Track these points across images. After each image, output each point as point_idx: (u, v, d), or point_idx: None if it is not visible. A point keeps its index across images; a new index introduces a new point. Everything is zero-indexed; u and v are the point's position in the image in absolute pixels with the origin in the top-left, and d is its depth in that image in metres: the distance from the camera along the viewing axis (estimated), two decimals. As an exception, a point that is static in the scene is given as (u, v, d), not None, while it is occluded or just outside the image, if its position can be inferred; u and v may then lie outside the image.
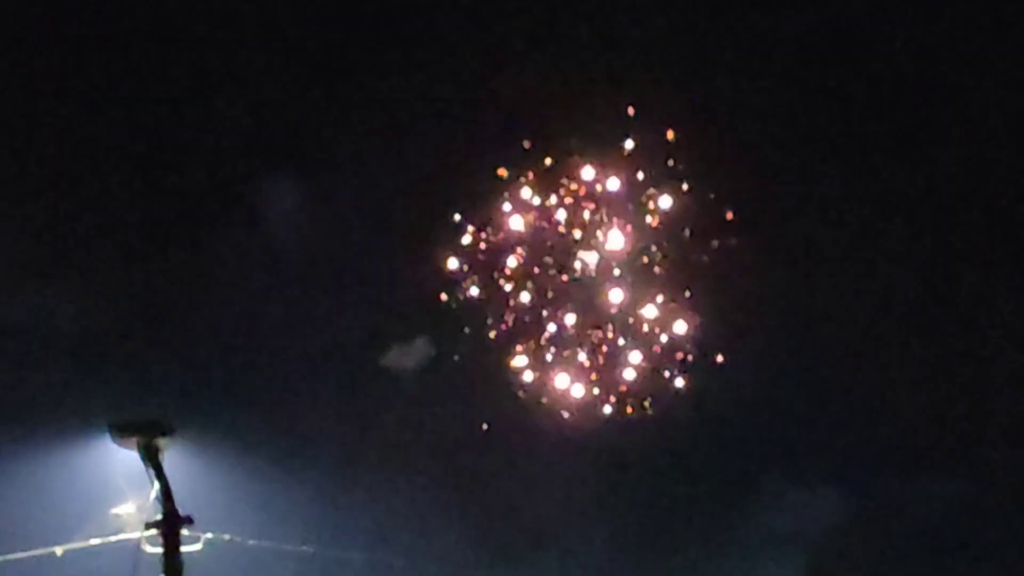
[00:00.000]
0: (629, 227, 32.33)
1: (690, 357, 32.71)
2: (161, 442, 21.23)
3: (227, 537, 23.16)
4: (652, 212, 32.37)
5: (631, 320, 32.35)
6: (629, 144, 32.14)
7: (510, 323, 32.54)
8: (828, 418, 34.62)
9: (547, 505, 33.42)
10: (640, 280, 32.35)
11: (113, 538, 22.48)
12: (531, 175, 32.34)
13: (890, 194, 34.30)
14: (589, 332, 32.40)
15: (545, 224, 32.38)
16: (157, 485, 21.34)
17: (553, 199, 32.30)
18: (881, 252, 34.59)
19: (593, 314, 32.42)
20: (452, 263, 32.39)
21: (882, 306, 34.71)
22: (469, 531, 32.86)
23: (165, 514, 21.38)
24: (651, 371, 32.69)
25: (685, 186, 32.30)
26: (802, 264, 34.15)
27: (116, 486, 23.35)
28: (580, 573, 33.82)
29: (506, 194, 32.30)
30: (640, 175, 32.29)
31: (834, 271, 34.40)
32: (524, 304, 32.38)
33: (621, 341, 32.41)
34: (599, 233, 32.24)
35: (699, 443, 33.96)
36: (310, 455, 31.77)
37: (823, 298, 34.36)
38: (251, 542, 24.22)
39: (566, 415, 32.54)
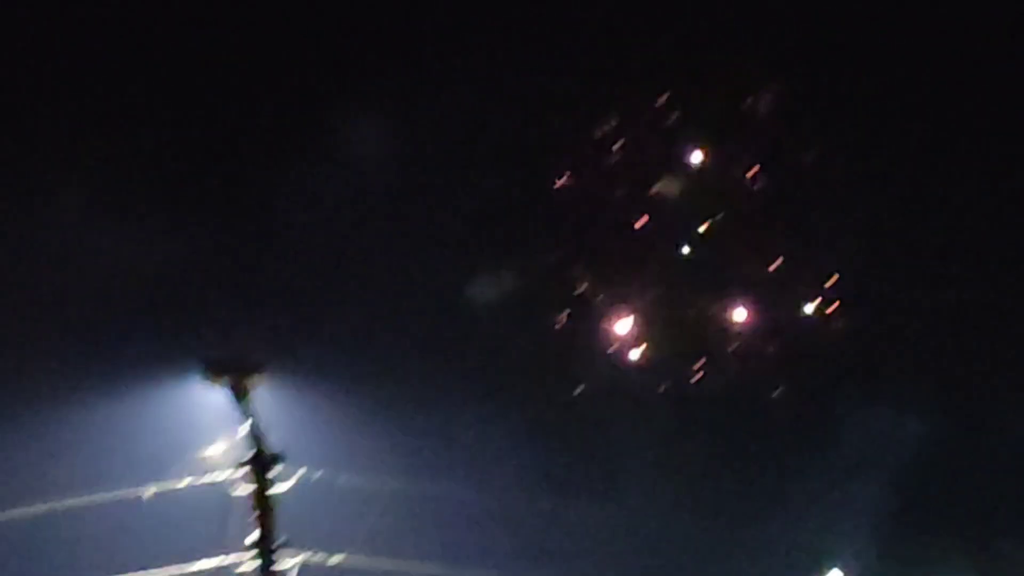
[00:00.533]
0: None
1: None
2: (251, 381, 21.57)
3: (318, 474, 23.42)
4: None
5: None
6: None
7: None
8: (922, 341, 34.63)
9: (628, 439, 33.58)
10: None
11: (204, 479, 22.74)
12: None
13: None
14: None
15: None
16: (247, 424, 21.74)
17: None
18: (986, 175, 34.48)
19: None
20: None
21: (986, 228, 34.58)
22: (555, 470, 32.99)
23: (256, 453, 21.80)
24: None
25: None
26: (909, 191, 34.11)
27: (206, 427, 23.62)
28: (664, 504, 33.96)
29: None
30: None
31: (945, 194, 34.28)
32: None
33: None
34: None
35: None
36: (399, 392, 31.94)
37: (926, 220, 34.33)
38: (342, 479, 24.47)
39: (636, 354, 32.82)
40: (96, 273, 30.54)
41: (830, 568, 34.18)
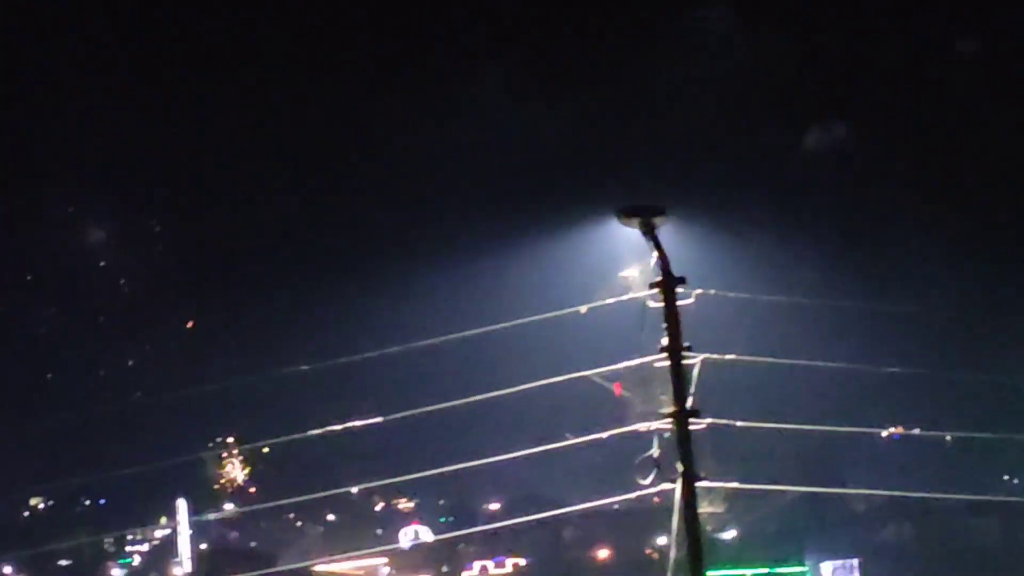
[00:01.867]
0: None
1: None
2: (657, 220, 26.40)
3: (713, 292, 27.55)
4: None
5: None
6: None
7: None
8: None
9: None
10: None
11: (624, 297, 27.30)
12: None
13: None
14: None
15: None
16: (656, 254, 26.43)
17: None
18: None
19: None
20: None
21: None
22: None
23: (664, 275, 26.51)
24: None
25: None
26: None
27: (622, 257, 27.82)
28: None
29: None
30: None
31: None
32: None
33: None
34: None
35: None
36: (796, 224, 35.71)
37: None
38: (731, 295, 28.67)
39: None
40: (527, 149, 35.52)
41: None
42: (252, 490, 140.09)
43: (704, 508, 26.10)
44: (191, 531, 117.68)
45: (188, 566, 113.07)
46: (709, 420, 26.62)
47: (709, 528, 24.49)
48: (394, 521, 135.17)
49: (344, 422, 32.82)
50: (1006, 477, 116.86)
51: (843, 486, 71.54)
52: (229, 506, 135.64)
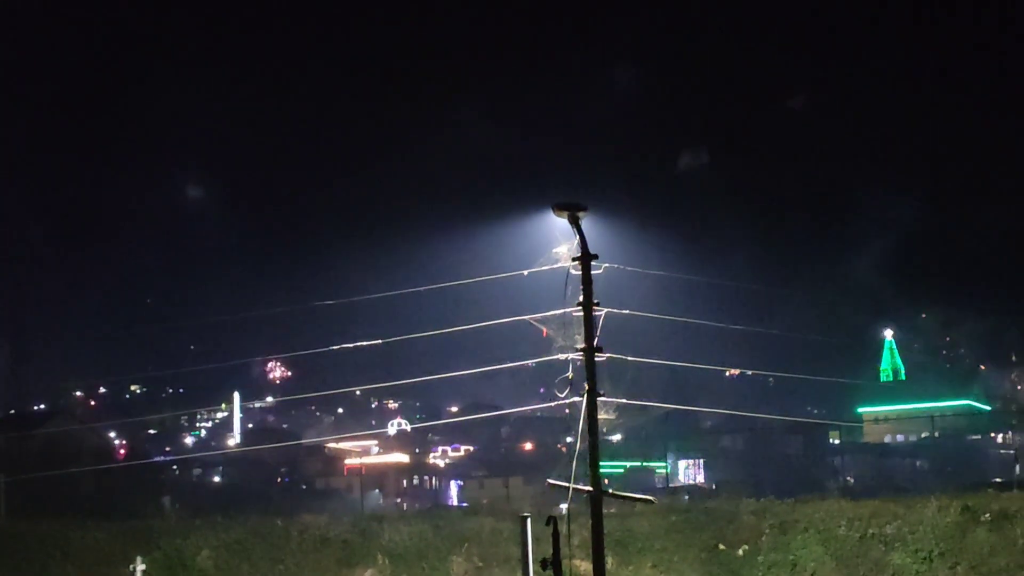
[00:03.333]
0: None
1: None
2: (581, 214, 26.59)
3: (616, 266, 27.88)
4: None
5: None
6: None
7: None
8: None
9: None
10: None
11: (555, 266, 27.41)
12: None
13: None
14: None
15: None
16: (578, 238, 26.63)
17: None
18: None
19: None
20: None
21: None
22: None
23: (583, 253, 26.61)
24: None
25: None
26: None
27: (554, 239, 27.84)
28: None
29: None
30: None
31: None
32: None
33: None
34: None
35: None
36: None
37: None
38: (628, 268, 28.99)
39: None
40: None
41: None
42: (285, 386, 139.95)
43: (601, 416, 26.13)
44: (241, 415, 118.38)
45: (238, 438, 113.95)
46: (608, 355, 26.95)
47: (603, 431, 24.47)
48: (384, 415, 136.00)
49: (354, 342, 32.80)
50: (808, 407, 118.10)
51: (696, 407, 72.01)
52: (269, 398, 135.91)
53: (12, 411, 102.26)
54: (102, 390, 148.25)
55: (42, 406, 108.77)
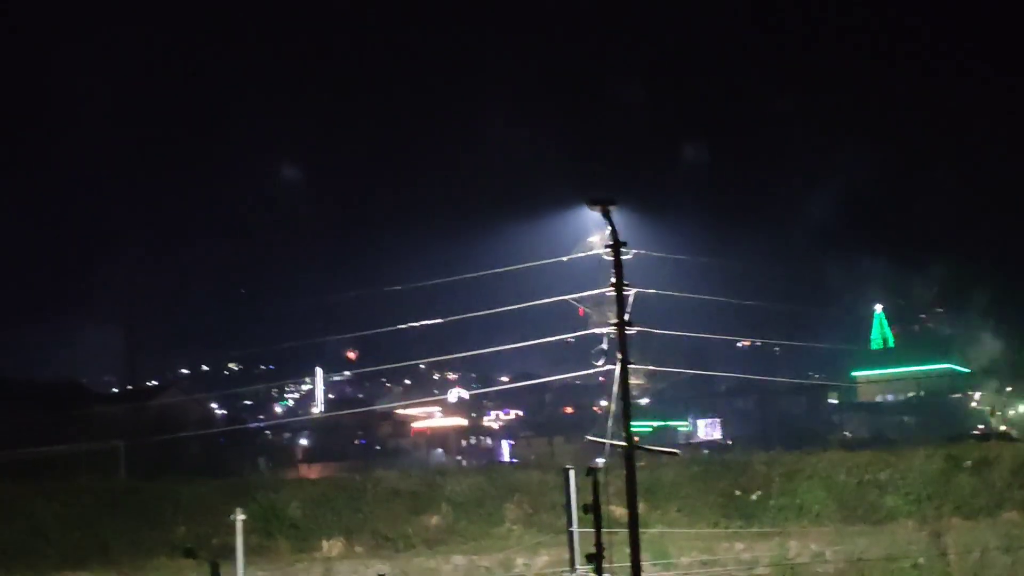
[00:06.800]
0: None
1: None
2: (612, 207, 26.31)
3: (644, 252, 27.37)
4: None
5: None
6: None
7: None
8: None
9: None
10: None
11: (590, 252, 27.30)
12: None
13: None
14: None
15: None
16: (609, 228, 26.39)
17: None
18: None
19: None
20: None
21: None
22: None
23: (613, 240, 26.40)
24: None
25: None
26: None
27: (589, 229, 27.64)
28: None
29: None
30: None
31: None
32: None
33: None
34: None
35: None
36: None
37: None
38: (654, 254, 28.72)
39: None
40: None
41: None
42: (359, 363, 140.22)
43: (632, 382, 25.97)
44: (324, 386, 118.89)
45: (321, 407, 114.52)
46: (637, 328, 26.74)
47: (634, 395, 24.47)
48: (444, 385, 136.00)
49: (419, 321, 32.85)
50: (811, 373, 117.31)
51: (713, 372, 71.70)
52: (347, 372, 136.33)
53: (129, 387, 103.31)
54: (204, 368, 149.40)
55: (154, 382, 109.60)
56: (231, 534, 30.62)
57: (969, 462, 39.72)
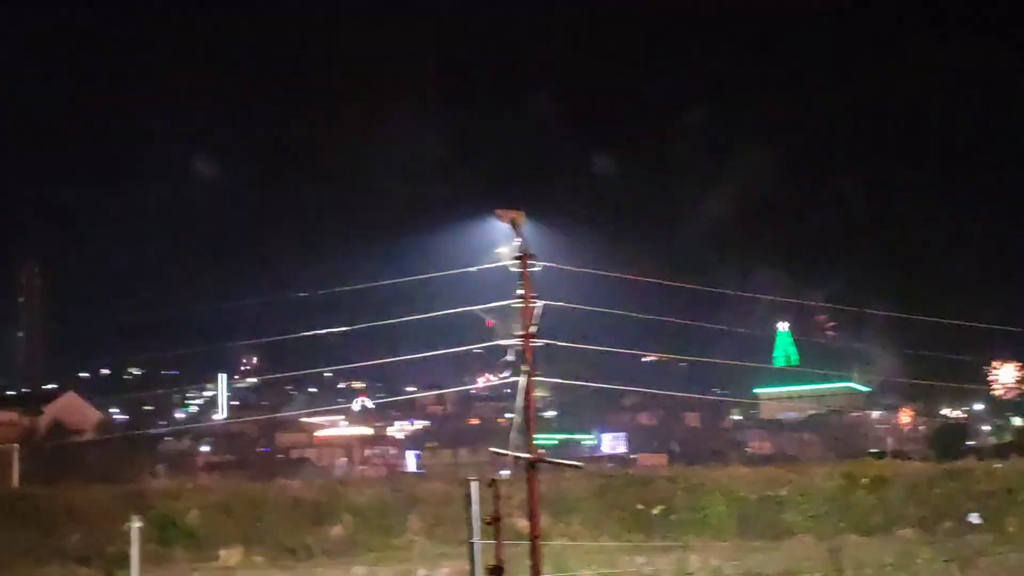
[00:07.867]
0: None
1: None
2: (520, 218, 26.15)
3: (552, 264, 27.00)
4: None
5: None
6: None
7: None
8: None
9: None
10: None
11: (497, 264, 26.99)
12: None
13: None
14: None
15: None
16: (518, 240, 26.22)
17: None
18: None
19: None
20: None
21: None
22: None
23: (521, 253, 26.26)
24: None
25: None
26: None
27: (497, 240, 27.40)
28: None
29: None
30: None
31: None
32: None
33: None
34: None
35: None
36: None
37: None
38: (563, 267, 28.60)
39: None
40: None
41: None
42: (262, 369, 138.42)
43: (536, 394, 25.82)
44: (227, 393, 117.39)
45: (224, 413, 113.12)
46: (543, 340, 26.56)
47: (539, 407, 24.38)
48: (350, 394, 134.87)
49: (325, 328, 32.43)
50: (713, 388, 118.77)
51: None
52: (251, 379, 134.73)
53: (25, 389, 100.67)
54: (105, 371, 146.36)
55: (52, 385, 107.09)
56: (127, 543, 29.84)
57: (866, 480, 40.43)
